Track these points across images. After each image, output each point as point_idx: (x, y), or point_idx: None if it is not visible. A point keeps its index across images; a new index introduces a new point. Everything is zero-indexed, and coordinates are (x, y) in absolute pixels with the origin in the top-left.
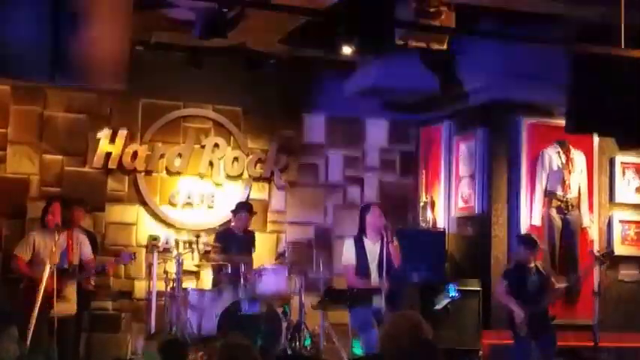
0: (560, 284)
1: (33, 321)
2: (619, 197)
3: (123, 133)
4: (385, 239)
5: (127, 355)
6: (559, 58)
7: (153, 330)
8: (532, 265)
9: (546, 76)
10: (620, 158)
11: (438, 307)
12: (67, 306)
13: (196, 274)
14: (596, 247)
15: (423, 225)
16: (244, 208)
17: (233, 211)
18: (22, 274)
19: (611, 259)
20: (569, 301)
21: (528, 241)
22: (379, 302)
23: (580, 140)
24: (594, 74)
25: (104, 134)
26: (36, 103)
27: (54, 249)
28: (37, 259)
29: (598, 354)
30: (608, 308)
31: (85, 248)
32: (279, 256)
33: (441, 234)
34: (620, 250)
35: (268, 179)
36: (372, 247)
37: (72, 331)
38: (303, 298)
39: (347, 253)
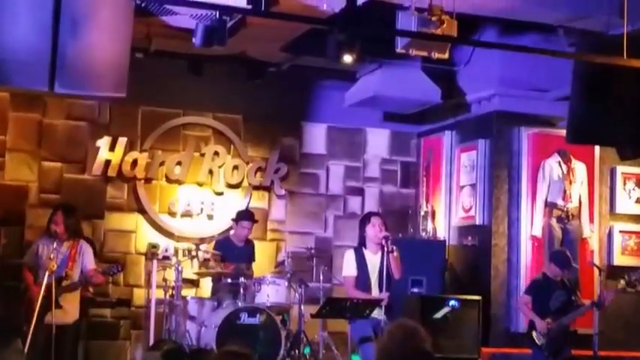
0: (585, 302)
1: (30, 329)
2: (619, 208)
3: (122, 140)
4: (386, 250)
5: None
6: (561, 68)
7: (152, 338)
8: (559, 279)
9: (548, 86)
10: (621, 169)
11: (438, 316)
12: (64, 315)
13: (195, 283)
14: (596, 258)
15: (424, 235)
16: (247, 216)
17: (234, 220)
18: (28, 283)
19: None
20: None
21: (562, 260)
22: (379, 314)
23: (581, 150)
24: (596, 85)
25: (104, 142)
26: (35, 110)
27: (52, 257)
28: (38, 268)
29: None
30: (609, 318)
31: (87, 258)
32: (279, 265)
33: (442, 244)
34: (620, 260)
35: (268, 188)
36: (373, 258)
37: (70, 339)
38: (302, 308)
39: (347, 264)
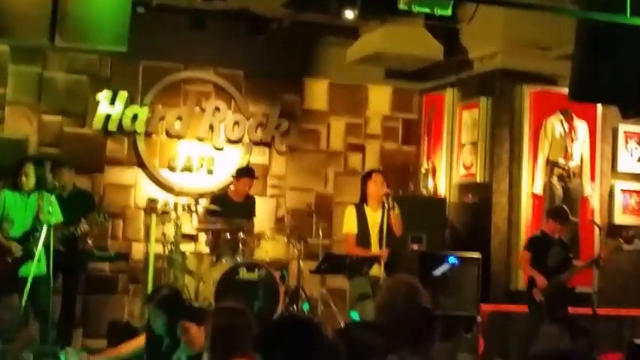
0: (579, 263)
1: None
2: (621, 166)
3: (123, 95)
4: (386, 207)
5: (124, 317)
6: (564, 26)
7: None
8: (557, 236)
9: (551, 44)
10: (624, 127)
11: (437, 273)
12: (38, 266)
13: (195, 238)
14: (597, 216)
15: (424, 192)
16: (247, 173)
17: (235, 176)
18: None
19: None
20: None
21: (560, 214)
22: (378, 271)
23: (583, 109)
24: (599, 42)
25: (104, 96)
26: (35, 63)
27: (50, 210)
28: (7, 220)
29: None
30: (608, 277)
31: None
32: (279, 222)
33: (442, 201)
34: (621, 219)
35: (269, 144)
36: (374, 215)
37: (45, 291)
38: (301, 264)
39: (348, 221)
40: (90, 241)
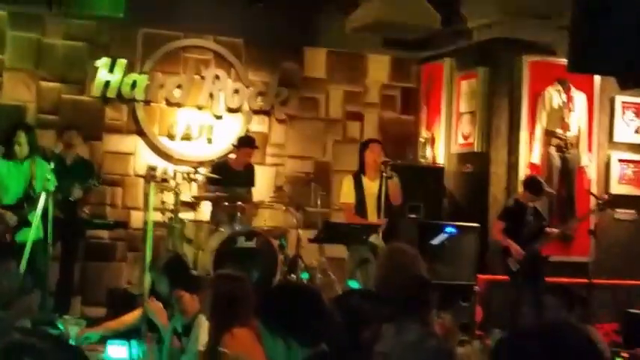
0: (554, 230)
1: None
2: (618, 137)
3: (122, 62)
4: (384, 176)
5: (123, 284)
6: None
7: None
8: (531, 205)
9: (550, 14)
10: (621, 98)
11: (435, 242)
12: (35, 232)
13: (193, 206)
14: (593, 187)
15: (423, 161)
16: (248, 142)
17: (236, 145)
18: None
19: (610, 205)
20: (565, 239)
21: (534, 185)
22: (377, 239)
23: (581, 80)
24: (597, 13)
25: (103, 63)
26: (34, 30)
27: (49, 177)
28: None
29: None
30: (604, 247)
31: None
32: (278, 190)
33: (440, 170)
34: (617, 189)
35: (268, 112)
36: (371, 185)
37: (42, 257)
38: (300, 233)
39: (346, 190)
40: (86, 209)
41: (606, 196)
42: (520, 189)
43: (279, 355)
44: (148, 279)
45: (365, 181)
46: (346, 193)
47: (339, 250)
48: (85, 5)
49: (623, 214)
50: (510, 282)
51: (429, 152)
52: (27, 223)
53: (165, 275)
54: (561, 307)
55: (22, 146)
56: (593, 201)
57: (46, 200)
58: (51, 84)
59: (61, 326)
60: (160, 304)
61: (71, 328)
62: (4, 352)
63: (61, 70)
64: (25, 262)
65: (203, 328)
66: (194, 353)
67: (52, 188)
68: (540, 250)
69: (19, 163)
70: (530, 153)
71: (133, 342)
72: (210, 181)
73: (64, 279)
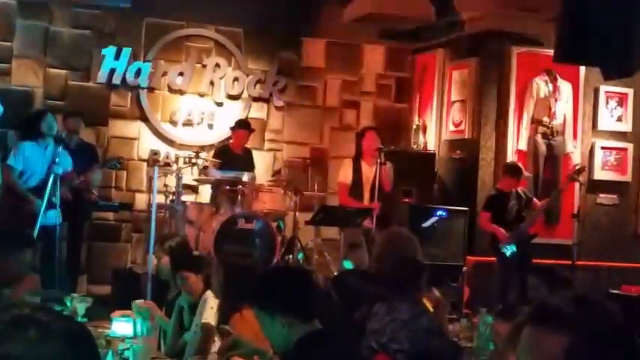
0: (541, 202)
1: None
2: (602, 125)
3: (127, 50)
4: (379, 162)
5: (127, 264)
6: None
7: (152, 241)
8: (512, 190)
9: (538, 6)
10: (605, 88)
11: (426, 225)
12: (56, 214)
13: (195, 189)
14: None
15: (415, 147)
16: (243, 125)
17: (232, 128)
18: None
19: (585, 179)
20: (550, 222)
21: (513, 169)
22: (370, 222)
23: (567, 70)
24: (584, 5)
25: (108, 51)
26: (41, 18)
27: (56, 160)
28: (26, 171)
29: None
30: (587, 230)
31: (65, 159)
32: (276, 174)
33: (432, 156)
34: (600, 175)
35: (267, 99)
36: (368, 170)
37: (58, 238)
38: (297, 215)
39: (344, 171)
40: (95, 191)
41: (579, 166)
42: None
43: (278, 334)
44: (151, 259)
45: (363, 166)
46: (344, 173)
47: (334, 232)
48: None
49: (605, 198)
50: (501, 265)
51: (421, 139)
52: (49, 205)
53: (170, 258)
54: (543, 287)
55: (51, 129)
56: (576, 185)
57: (54, 182)
58: (58, 71)
59: (68, 303)
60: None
61: (78, 306)
62: (10, 324)
63: (68, 57)
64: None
65: (209, 304)
66: (200, 328)
67: (59, 172)
68: (526, 229)
69: (44, 146)
70: (518, 140)
71: (139, 319)
72: (213, 165)
73: (71, 258)
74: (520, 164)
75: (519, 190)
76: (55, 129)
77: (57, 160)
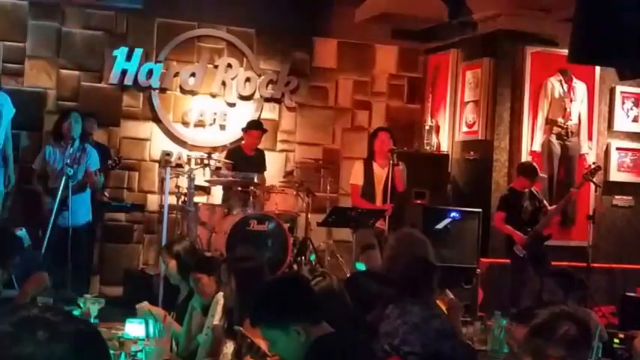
0: (553, 206)
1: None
2: (617, 126)
3: (139, 51)
4: (391, 163)
5: (139, 265)
6: None
7: (164, 242)
8: (526, 191)
9: (552, 6)
10: (620, 88)
11: (439, 227)
12: (75, 216)
13: (207, 190)
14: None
15: (428, 149)
16: (256, 125)
17: (244, 129)
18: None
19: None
20: (565, 224)
21: (528, 170)
22: (383, 224)
23: (582, 70)
24: (599, 6)
25: (120, 52)
26: (54, 19)
27: (69, 162)
28: (49, 172)
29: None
30: (602, 232)
31: (92, 160)
32: (288, 175)
33: (445, 157)
34: (616, 176)
35: (279, 100)
36: (380, 172)
37: (83, 239)
38: (309, 216)
39: (356, 173)
40: (106, 192)
41: (594, 165)
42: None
43: (295, 345)
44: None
45: (375, 167)
46: (356, 175)
47: (346, 234)
48: None
49: (621, 200)
50: (515, 267)
51: (434, 140)
52: (67, 206)
53: (177, 262)
54: (559, 289)
55: (74, 130)
56: (592, 187)
57: (66, 183)
58: (70, 72)
59: (81, 304)
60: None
61: (91, 307)
62: (19, 326)
63: (80, 58)
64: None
65: (220, 306)
66: (211, 330)
67: (71, 173)
68: (542, 231)
69: (64, 147)
70: (532, 141)
71: (151, 320)
72: (226, 166)
73: (84, 259)
74: (535, 165)
75: (534, 190)
76: (77, 130)
77: (69, 161)
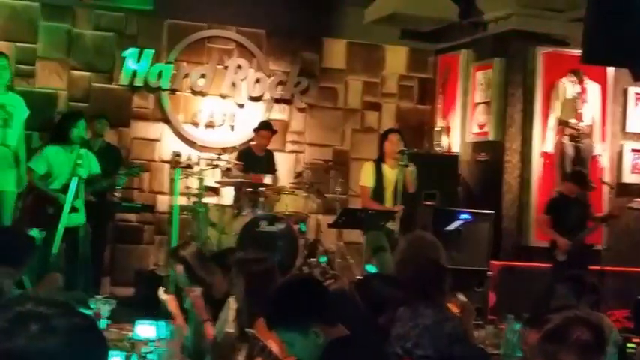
0: (599, 214)
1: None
2: (631, 127)
3: (149, 52)
4: (401, 164)
5: (150, 266)
6: None
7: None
8: (574, 197)
9: (564, 7)
10: (634, 89)
11: (450, 229)
12: (78, 217)
13: (217, 191)
14: (606, 175)
15: (438, 150)
16: (266, 126)
17: (255, 129)
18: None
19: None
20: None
21: (580, 179)
22: (393, 225)
23: (594, 70)
24: (611, 5)
25: (131, 53)
26: (65, 20)
27: (79, 162)
28: (50, 173)
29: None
30: (616, 235)
31: (93, 163)
32: (298, 176)
33: (455, 159)
34: (629, 178)
35: (289, 101)
36: (390, 173)
37: (87, 239)
38: (319, 218)
39: (366, 174)
40: (117, 193)
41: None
42: (532, 174)
43: (313, 347)
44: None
45: (385, 168)
46: (366, 177)
47: (356, 235)
48: None
49: (635, 202)
50: (554, 271)
51: (444, 141)
52: (73, 208)
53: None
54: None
55: (80, 132)
56: (605, 189)
57: (78, 185)
58: (81, 73)
59: (92, 305)
60: (171, 296)
61: (103, 307)
62: (13, 320)
63: (91, 59)
64: (69, 244)
65: (231, 310)
66: (221, 333)
67: (84, 175)
68: (584, 239)
69: (69, 149)
70: (544, 142)
71: (161, 322)
72: (236, 167)
73: (95, 260)
74: (585, 172)
75: (580, 197)
76: (84, 135)
77: (80, 162)
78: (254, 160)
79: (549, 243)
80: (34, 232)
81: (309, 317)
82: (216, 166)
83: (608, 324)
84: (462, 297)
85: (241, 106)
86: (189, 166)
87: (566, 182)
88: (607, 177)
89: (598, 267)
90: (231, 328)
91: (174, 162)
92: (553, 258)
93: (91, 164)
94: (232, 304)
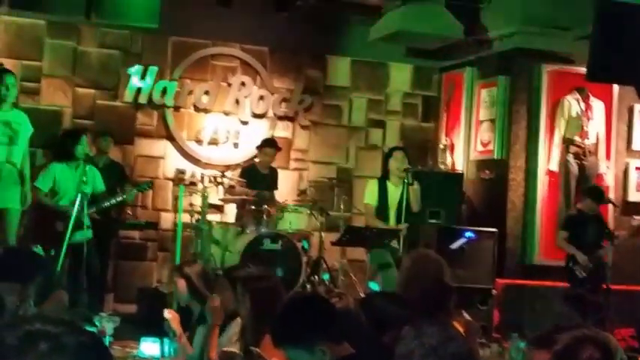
0: (620, 232)
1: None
2: (636, 145)
3: (153, 69)
4: (406, 182)
5: (153, 283)
6: (582, 7)
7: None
8: (592, 214)
9: (569, 25)
10: (639, 107)
11: (454, 247)
12: (83, 232)
13: (220, 208)
14: (611, 194)
15: (442, 168)
16: (270, 143)
17: (258, 147)
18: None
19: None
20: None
21: (598, 195)
22: (397, 243)
23: (599, 88)
24: (617, 24)
25: (135, 70)
26: (70, 38)
27: (84, 179)
28: (56, 190)
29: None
30: (621, 253)
31: (97, 180)
32: (301, 194)
33: (460, 177)
34: (635, 196)
35: (292, 118)
36: (394, 191)
37: (93, 255)
38: (322, 235)
39: (370, 192)
40: (129, 210)
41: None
42: (537, 192)
43: None
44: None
45: (389, 186)
46: (370, 195)
47: (360, 253)
48: (122, 16)
49: (635, 220)
50: (572, 288)
51: (448, 159)
52: (79, 224)
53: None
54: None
55: (84, 149)
56: (610, 207)
57: (82, 201)
58: (86, 90)
59: (97, 322)
60: (175, 314)
61: (107, 325)
62: (22, 339)
63: (96, 76)
64: (74, 261)
65: (234, 329)
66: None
67: (88, 191)
68: (603, 256)
69: (74, 166)
70: (549, 160)
71: (166, 339)
72: (239, 184)
73: (98, 277)
74: (603, 189)
75: (598, 213)
76: (88, 151)
77: (85, 179)
78: (258, 177)
79: (567, 259)
80: (39, 250)
81: (316, 335)
82: (220, 183)
83: (614, 343)
84: (466, 316)
85: (245, 123)
86: (192, 183)
87: (584, 199)
88: (612, 195)
89: (604, 285)
90: (232, 348)
91: (178, 179)
92: (572, 275)
93: (96, 181)
94: (236, 325)
